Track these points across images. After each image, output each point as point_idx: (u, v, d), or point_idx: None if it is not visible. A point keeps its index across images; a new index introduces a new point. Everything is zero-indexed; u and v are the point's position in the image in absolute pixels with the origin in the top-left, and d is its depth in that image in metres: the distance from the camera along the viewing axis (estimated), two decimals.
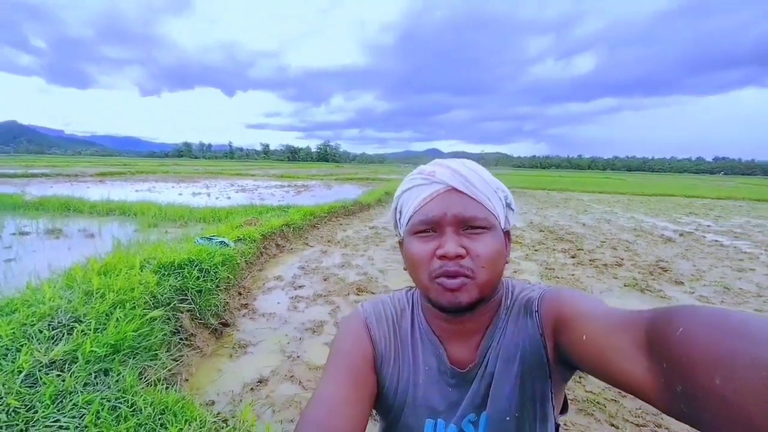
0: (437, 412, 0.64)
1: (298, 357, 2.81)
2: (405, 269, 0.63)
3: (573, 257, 6.10)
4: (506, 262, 0.61)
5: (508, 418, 0.60)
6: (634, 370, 0.40)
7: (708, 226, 9.96)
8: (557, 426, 0.65)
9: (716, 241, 7.84)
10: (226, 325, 3.19)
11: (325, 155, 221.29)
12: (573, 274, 5.11)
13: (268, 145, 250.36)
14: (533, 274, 5.09)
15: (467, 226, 0.57)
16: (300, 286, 4.38)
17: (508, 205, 0.63)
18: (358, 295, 4.14)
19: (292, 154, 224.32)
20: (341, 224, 8.55)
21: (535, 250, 6.49)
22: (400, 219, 0.64)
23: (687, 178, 73.96)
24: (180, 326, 2.68)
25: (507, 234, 0.63)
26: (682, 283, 4.84)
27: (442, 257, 0.56)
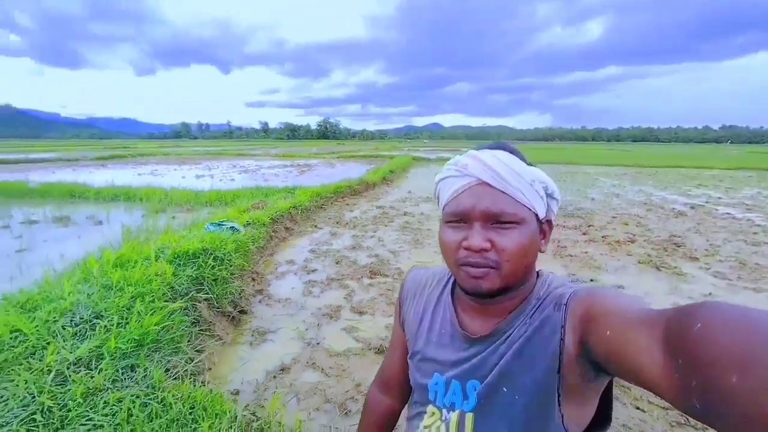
0: (445, 367, 0.70)
1: (317, 344, 2.82)
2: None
3: (584, 234, 6.05)
4: (541, 251, 0.64)
5: (506, 392, 0.62)
6: (649, 364, 0.40)
7: (719, 198, 9.83)
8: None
9: (728, 214, 7.74)
10: (243, 312, 3.19)
11: (326, 132, 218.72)
12: (586, 252, 5.07)
13: (267, 123, 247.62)
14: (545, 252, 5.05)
15: (496, 220, 0.59)
16: (312, 270, 4.37)
17: (549, 195, 0.64)
18: (372, 278, 4.13)
19: (292, 132, 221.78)
20: (348, 204, 8.50)
21: None
22: (438, 203, 0.69)
23: (693, 148, 72.86)
24: (199, 316, 2.68)
25: (549, 223, 0.66)
26: (697, 258, 4.79)
27: (468, 248, 0.59)
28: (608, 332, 0.48)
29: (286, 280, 4.10)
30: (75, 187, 9.10)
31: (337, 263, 4.62)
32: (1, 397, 1.60)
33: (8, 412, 1.52)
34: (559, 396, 0.59)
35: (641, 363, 0.41)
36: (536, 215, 0.62)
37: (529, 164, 0.66)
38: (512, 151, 0.66)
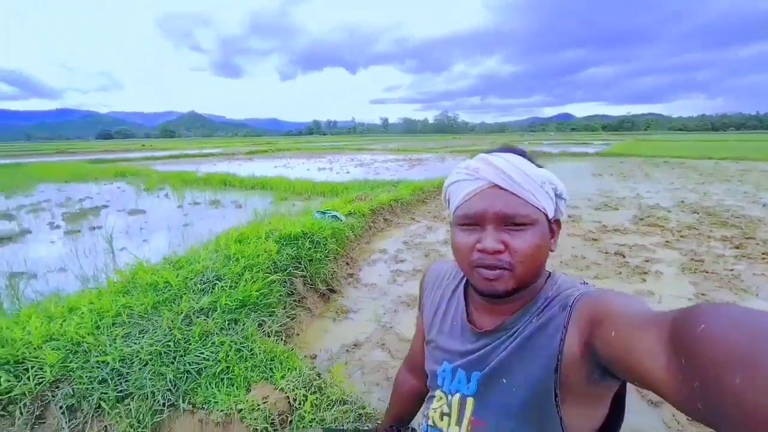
0: (453, 356, 0.75)
1: (390, 327, 3.02)
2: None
3: (737, 248, 4.85)
4: (551, 251, 0.66)
5: (505, 383, 0.65)
6: (653, 366, 0.40)
7: None
8: None
9: None
10: (333, 291, 3.60)
11: (443, 126, 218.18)
12: (731, 270, 4.09)
13: (387, 119, 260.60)
14: (671, 265, 4.26)
15: (509, 221, 0.60)
16: (401, 261, 4.59)
17: (558, 196, 0.66)
18: None
19: (410, 127, 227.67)
20: None
21: (681, 236, 5.37)
22: (449, 206, 0.72)
23: None
24: (294, 289, 3.14)
25: (557, 223, 0.67)
26: None
27: (482, 251, 0.61)
28: (613, 333, 0.48)
29: (376, 267, 4.41)
30: (227, 176, 11.22)
31: (426, 256, 4.74)
32: (153, 327, 2.22)
33: (156, 338, 2.12)
34: (556, 396, 0.59)
35: (646, 364, 0.41)
36: (546, 215, 0.64)
37: (539, 166, 0.68)
38: (522, 154, 0.69)
